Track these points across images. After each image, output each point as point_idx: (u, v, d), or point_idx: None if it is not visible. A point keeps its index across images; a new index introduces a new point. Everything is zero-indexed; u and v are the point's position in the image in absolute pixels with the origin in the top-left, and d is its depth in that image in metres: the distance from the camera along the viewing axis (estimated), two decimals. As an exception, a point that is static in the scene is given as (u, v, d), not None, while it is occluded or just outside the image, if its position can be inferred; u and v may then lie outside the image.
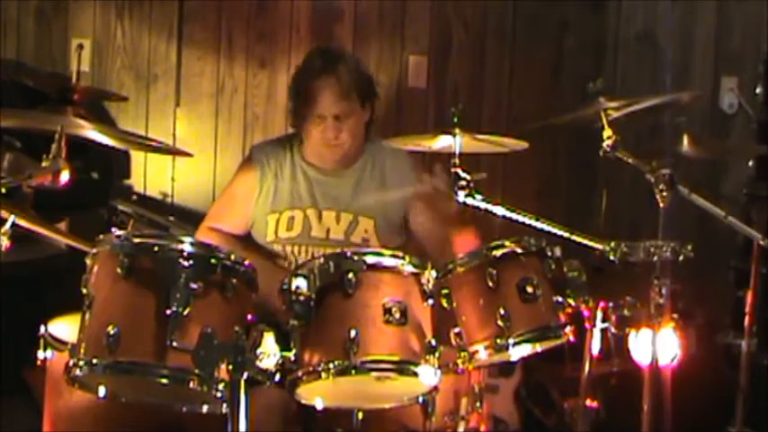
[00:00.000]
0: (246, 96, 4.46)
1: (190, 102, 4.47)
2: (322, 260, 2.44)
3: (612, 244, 2.66)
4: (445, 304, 2.59)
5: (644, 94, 3.33)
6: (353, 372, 2.34)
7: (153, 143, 3.05)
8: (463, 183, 2.69)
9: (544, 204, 4.38)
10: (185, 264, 2.30)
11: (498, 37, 4.51)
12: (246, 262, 2.41)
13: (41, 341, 2.77)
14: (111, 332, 2.25)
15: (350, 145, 3.19)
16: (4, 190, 2.50)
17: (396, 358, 2.38)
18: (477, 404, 2.83)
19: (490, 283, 2.58)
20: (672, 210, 2.72)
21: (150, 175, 4.44)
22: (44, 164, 2.49)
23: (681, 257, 2.64)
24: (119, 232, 2.38)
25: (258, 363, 2.26)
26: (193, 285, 2.27)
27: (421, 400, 2.55)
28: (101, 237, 2.39)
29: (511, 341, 2.56)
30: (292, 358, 2.37)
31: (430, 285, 2.49)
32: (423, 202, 3.12)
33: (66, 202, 3.19)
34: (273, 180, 3.25)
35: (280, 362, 2.37)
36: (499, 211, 2.71)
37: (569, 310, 2.66)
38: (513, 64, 4.53)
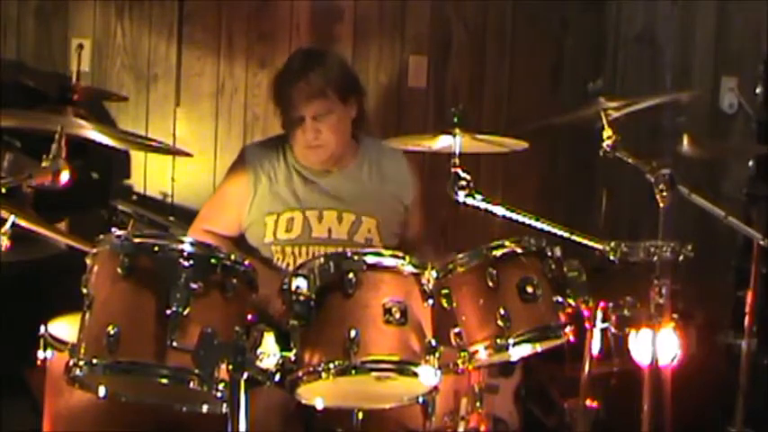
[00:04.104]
0: (246, 96, 4.45)
1: (190, 102, 4.46)
2: (322, 260, 2.44)
3: (612, 244, 2.66)
4: (445, 304, 2.58)
5: (644, 94, 3.33)
6: (353, 372, 2.34)
7: (153, 143, 3.05)
8: (463, 183, 2.69)
9: (544, 204, 4.38)
10: (185, 264, 2.30)
11: (498, 37, 4.51)
12: (246, 262, 2.41)
13: (41, 341, 2.77)
14: (111, 332, 2.25)
15: (334, 144, 3.17)
16: (4, 190, 2.50)
17: (396, 358, 2.38)
18: (477, 404, 2.83)
19: (490, 283, 2.58)
20: (672, 210, 2.72)
21: (150, 175, 4.43)
22: (44, 164, 2.49)
23: (681, 257, 2.64)
24: (119, 232, 2.38)
25: (258, 363, 2.26)
26: (193, 285, 2.27)
27: (421, 400, 2.55)
28: (101, 237, 2.39)
29: (511, 341, 2.55)
30: (292, 358, 2.37)
31: (430, 285, 2.49)
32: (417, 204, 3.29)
33: (66, 202, 3.19)
34: (268, 183, 3.21)
35: (280, 362, 2.37)
36: (499, 211, 2.71)
37: (569, 310, 2.65)
38: (513, 64, 4.53)
